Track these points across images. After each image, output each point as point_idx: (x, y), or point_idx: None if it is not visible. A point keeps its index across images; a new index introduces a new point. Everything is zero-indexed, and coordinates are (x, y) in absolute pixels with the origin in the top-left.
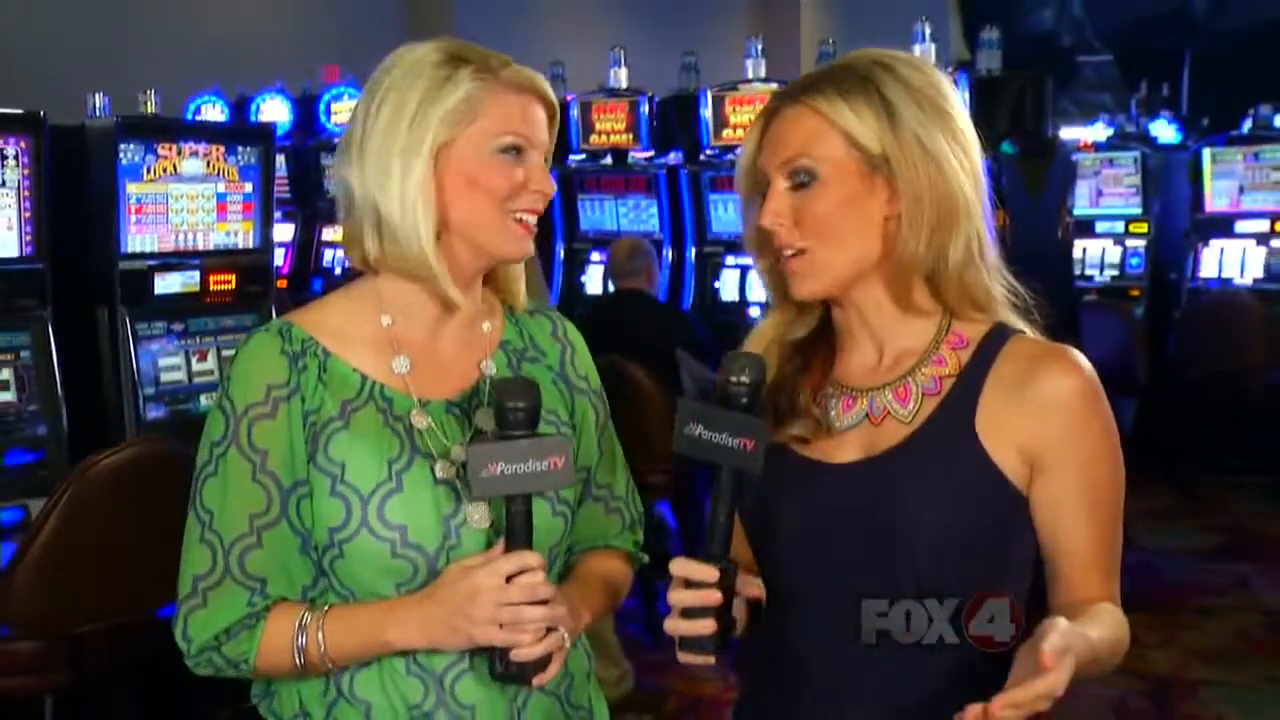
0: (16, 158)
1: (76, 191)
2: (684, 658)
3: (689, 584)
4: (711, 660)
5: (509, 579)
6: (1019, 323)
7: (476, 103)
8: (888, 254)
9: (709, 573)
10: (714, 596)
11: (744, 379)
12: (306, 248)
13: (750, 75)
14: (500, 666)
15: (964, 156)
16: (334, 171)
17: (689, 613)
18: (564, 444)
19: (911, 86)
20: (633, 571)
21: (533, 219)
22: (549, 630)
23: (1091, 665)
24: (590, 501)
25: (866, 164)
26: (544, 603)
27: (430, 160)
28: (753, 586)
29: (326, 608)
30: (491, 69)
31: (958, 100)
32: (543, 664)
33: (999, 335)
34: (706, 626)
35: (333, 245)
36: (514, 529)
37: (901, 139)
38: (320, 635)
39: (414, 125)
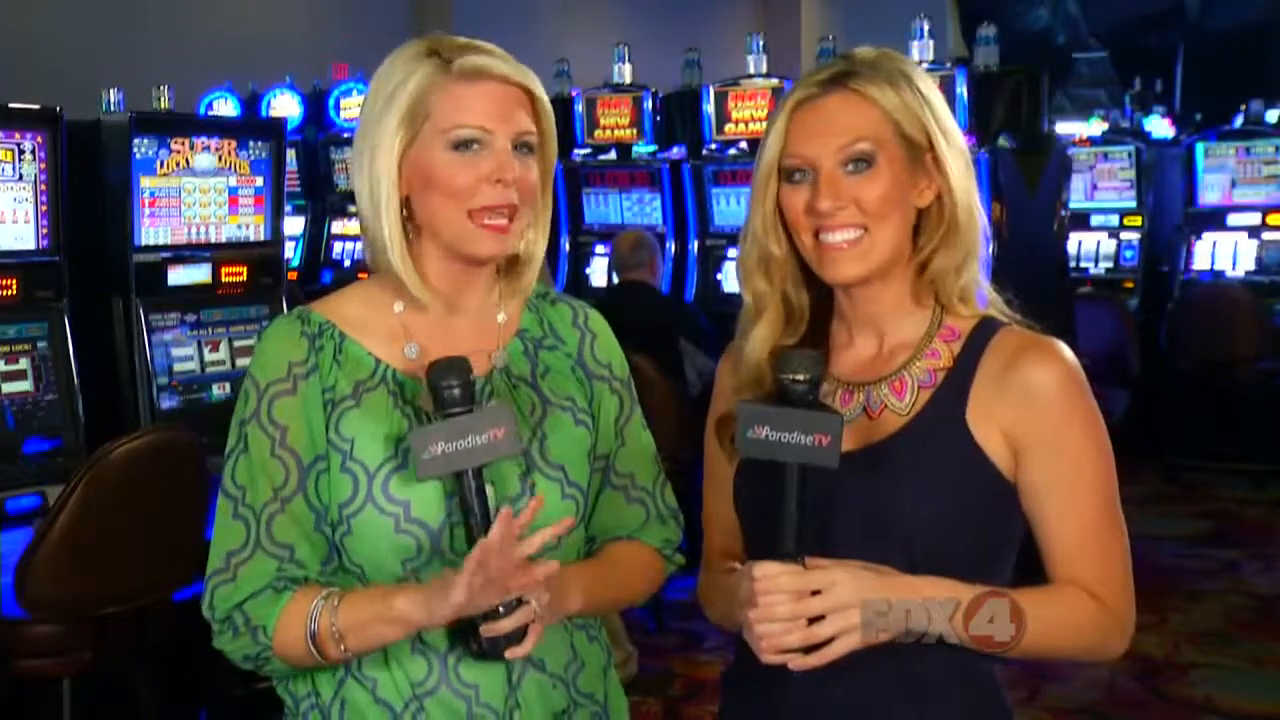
0: (34, 152)
1: (92, 185)
2: (789, 662)
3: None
4: (811, 662)
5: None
6: (1002, 318)
7: (427, 98)
8: (912, 245)
9: (801, 582)
10: (812, 607)
11: (804, 376)
12: (316, 240)
13: (752, 71)
14: (475, 645)
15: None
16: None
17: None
18: (501, 413)
19: (934, 89)
20: (663, 571)
21: (501, 215)
22: (520, 602)
23: (988, 638)
24: (610, 490)
25: (909, 153)
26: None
27: (394, 161)
28: None
29: (343, 591)
30: (446, 61)
31: None
32: (517, 638)
33: (988, 327)
34: (802, 633)
35: (342, 238)
36: (469, 505)
37: (944, 130)
38: (335, 603)
39: (379, 125)
